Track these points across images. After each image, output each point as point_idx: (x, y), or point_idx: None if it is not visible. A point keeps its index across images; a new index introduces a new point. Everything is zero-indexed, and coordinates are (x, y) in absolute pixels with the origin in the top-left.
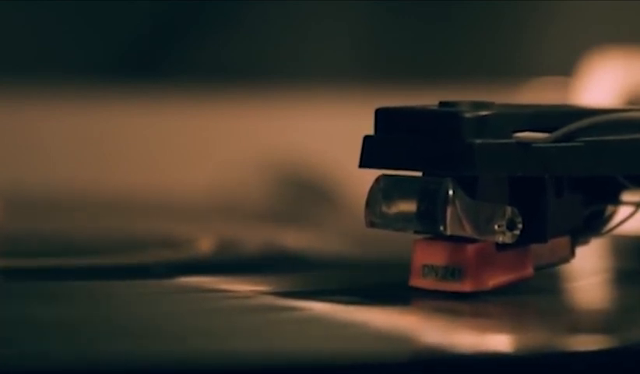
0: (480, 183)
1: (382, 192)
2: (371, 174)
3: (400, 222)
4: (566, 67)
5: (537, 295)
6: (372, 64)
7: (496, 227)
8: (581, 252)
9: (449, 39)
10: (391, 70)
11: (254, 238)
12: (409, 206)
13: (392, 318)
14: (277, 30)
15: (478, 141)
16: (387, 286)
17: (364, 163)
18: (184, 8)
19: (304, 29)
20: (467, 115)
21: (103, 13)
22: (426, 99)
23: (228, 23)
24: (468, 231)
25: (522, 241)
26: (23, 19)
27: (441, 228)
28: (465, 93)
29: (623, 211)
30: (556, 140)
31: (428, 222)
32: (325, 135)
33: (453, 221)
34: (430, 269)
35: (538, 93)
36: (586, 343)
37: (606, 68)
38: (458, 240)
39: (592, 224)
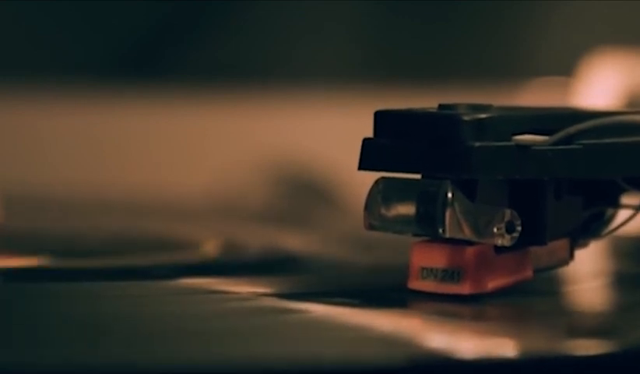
0: (479, 186)
1: (381, 194)
2: (372, 176)
3: (399, 225)
4: (566, 68)
5: (536, 298)
6: (372, 64)
7: (495, 229)
8: (580, 254)
9: (449, 39)
10: (391, 70)
11: (254, 239)
12: (408, 209)
13: (392, 321)
14: (277, 30)
15: (477, 144)
16: (386, 289)
17: (363, 165)
18: (184, 8)
19: (304, 29)
20: (466, 118)
21: (103, 13)
22: (427, 99)
23: (228, 23)
24: (467, 233)
25: (521, 244)
26: (23, 19)
27: (440, 231)
28: (465, 93)
29: (622, 214)
30: (555, 143)
31: (427, 225)
32: (326, 136)
33: (452, 224)
34: (429, 272)
35: (538, 94)
36: (586, 346)
37: (606, 69)
38: (457, 243)
39: (591, 227)
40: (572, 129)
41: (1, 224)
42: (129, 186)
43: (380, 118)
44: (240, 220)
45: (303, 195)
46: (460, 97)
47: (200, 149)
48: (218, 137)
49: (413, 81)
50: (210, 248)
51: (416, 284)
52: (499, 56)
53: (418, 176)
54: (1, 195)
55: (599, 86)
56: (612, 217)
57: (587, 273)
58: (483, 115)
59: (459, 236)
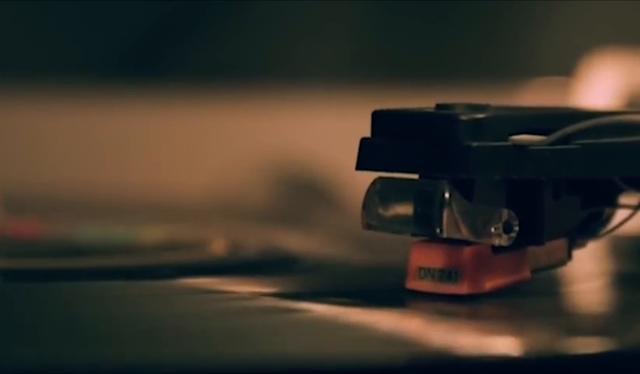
0: (477, 186)
1: (379, 194)
2: (371, 176)
3: (397, 224)
4: (566, 68)
5: (534, 298)
6: (372, 64)
7: (492, 229)
8: (578, 254)
9: (448, 39)
10: (391, 70)
11: (254, 239)
12: (405, 209)
13: (390, 321)
14: (277, 30)
15: (474, 144)
16: (384, 288)
17: (361, 165)
18: (184, 8)
19: (304, 29)
20: (463, 118)
21: (103, 13)
22: (427, 99)
23: (228, 23)
24: (464, 233)
25: (519, 244)
26: (23, 19)
27: (438, 231)
28: (464, 93)
29: (620, 213)
30: (552, 143)
31: (424, 225)
32: (326, 136)
33: (449, 224)
34: (426, 272)
35: (538, 94)
36: (585, 345)
37: (606, 69)
38: (455, 243)
39: (589, 227)
40: (570, 129)
41: (1, 224)
42: (129, 186)
43: (377, 117)
44: (240, 220)
45: (303, 195)
46: (460, 97)
47: (200, 149)
48: (218, 137)
49: (412, 81)
50: (210, 248)
51: (413, 284)
52: (499, 56)
53: (415, 176)
54: (1, 195)
55: (599, 86)
56: (610, 217)
57: (585, 273)
58: (480, 115)
59: (457, 236)
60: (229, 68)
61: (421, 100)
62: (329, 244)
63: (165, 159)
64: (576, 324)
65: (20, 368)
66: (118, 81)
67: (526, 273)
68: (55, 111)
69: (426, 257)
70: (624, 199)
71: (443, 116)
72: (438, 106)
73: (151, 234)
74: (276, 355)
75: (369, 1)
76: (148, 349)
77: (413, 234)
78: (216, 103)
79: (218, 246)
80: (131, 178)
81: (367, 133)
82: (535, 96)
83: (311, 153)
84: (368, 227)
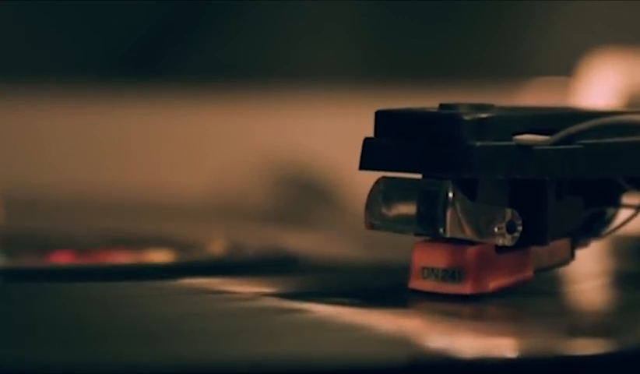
0: (480, 185)
1: (382, 194)
2: (371, 176)
3: (400, 224)
4: (566, 68)
5: (537, 298)
6: (372, 64)
7: (496, 229)
8: (581, 254)
9: (449, 40)
10: (391, 70)
11: (254, 239)
12: (409, 209)
13: (393, 321)
14: (277, 30)
15: (478, 143)
16: (387, 288)
17: (364, 165)
18: (184, 8)
19: (304, 29)
20: (467, 118)
21: (103, 13)
22: (427, 99)
23: (228, 23)
24: (468, 233)
25: (522, 244)
26: (23, 19)
27: (441, 231)
28: (465, 93)
29: (623, 213)
30: (556, 143)
31: (428, 224)
32: (326, 136)
33: (453, 224)
34: (430, 272)
35: (538, 94)
36: (587, 345)
37: (606, 69)
38: (458, 242)
39: (591, 227)
40: (573, 129)
41: (1, 224)
42: (129, 186)
43: (381, 117)
44: (240, 220)
45: (303, 195)
46: (460, 96)
47: (200, 149)
48: (218, 137)
49: (413, 81)
50: (210, 248)
51: (417, 284)
52: (499, 56)
53: (419, 176)
54: (1, 195)
55: (599, 86)
56: (613, 217)
57: (588, 272)
58: (483, 115)
59: (460, 236)
60: (229, 68)
61: (421, 101)
62: (331, 244)
63: (165, 159)
64: (579, 324)
65: (20, 368)
66: (118, 81)
67: (529, 273)
68: (55, 111)
69: (429, 257)
70: (627, 199)
71: (446, 116)
72: (442, 106)
73: (150, 233)
74: (277, 355)
75: (369, 1)
76: (148, 349)
77: (417, 234)
78: (216, 103)
79: (218, 246)
80: (131, 178)
81: (367, 133)
82: (535, 96)
83: (311, 153)
84: (371, 226)
